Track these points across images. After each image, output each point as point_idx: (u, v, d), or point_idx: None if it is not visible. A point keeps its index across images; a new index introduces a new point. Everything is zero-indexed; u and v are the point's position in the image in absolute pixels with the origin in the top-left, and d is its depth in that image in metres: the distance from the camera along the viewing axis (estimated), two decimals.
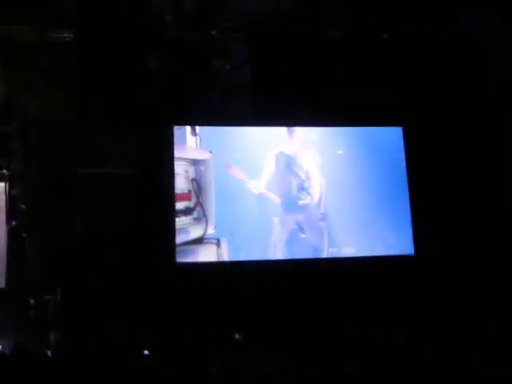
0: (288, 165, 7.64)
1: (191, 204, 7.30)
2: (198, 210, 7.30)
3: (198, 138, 7.40)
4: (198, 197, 7.30)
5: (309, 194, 7.63)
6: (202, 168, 7.37)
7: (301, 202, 7.61)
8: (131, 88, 6.94)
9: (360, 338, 5.59)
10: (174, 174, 7.10)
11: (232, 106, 7.31)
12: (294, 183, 7.62)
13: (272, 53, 7.26)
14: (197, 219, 7.27)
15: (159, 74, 7.07)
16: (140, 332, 5.97)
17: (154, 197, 6.95)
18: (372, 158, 7.70)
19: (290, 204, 7.56)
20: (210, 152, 7.38)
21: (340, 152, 7.69)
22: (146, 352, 5.45)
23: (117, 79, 6.90)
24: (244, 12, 7.02)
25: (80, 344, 5.84)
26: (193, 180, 7.34)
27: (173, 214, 7.02)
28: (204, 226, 7.25)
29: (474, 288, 6.96)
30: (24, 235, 6.62)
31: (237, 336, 5.79)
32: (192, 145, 7.42)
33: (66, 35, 6.89)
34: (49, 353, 5.84)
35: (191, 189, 7.33)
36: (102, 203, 6.82)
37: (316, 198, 7.65)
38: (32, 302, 6.36)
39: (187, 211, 7.28)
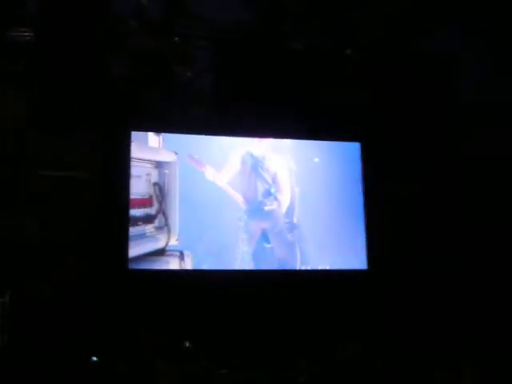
0: (255, 167, 7.41)
1: (152, 211, 6.99)
2: (159, 218, 6.99)
3: (161, 137, 7.13)
4: (160, 203, 6.99)
5: (276, 199, 7.40)
6: (166, 171, 7.07)
7: (266, 208, 7.37)
8: (91, 91, 6.85)
9: (313, 351, 5.60)
10: (129, 179, 6.88)
11: (193, 114, 7.25)
12: (261, 188, 7.40)
13: (235, 62, 7.26)
14: (158, 228, 6.96)
15: (120, 78, 7.01)
16: (89, 339, 5.90)
17: (109, 202, 6.84)
18: (341, 170, 7.64)
19: (255, 209, 7.31)
20: (176, 153, 7.14)
21: (317, 160, 7.56)
22: (94, 358, 5.39)
23: (77, 82, 6.81)
24: (208, 20, 7.02)
25: (25, 348, 5.75)
26: (155, 184, 7.03)
27: (127, 220, 6.82)
28: (166, 236, 6.96)
29: (426, 302, 7.03)
30: None
31: (187, 344, 5.76)
32: (155, 145, 7.15)
33: (25, 34, 6.78)
34: None
35: (153, 194, 7.02)
36: (59, 207, 6.71)
37: (284, 206, 7.43)
38: None
39: (148, 219, 6.96)
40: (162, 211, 7.01)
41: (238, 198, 7.33)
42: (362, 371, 5.04)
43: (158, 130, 7.12)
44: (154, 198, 7.06)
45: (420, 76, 7.56)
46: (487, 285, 6.91)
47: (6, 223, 6.57)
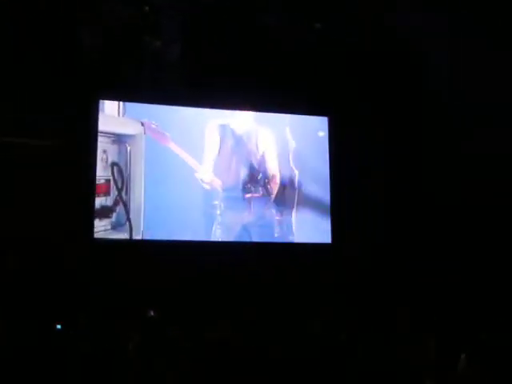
0: (237, 143, 6.79)
1: (109, 201, 6.19)
2: (118, 212, 6.23)
3: (120, 104, 6.52)
4: (119, 190, 6.18)
5: (263, 186, 6.82)
6: (127, 146, 6.33)
7: (248, 196, 6.76)
8: (59, 60, 6.77)
9: (275, 326, 5.65)
10: (96, 150, 6.62)
11: (162, 84, 7.08)
12: (243, 171, 6.79)
13: (204, 32, 7.18)
14: (116, 225, 6.32)
15: (89, 47, 6.90)
16: (53, 308, 5.88)
17: (73, 173, 6.72)
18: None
19: (234, 198, 6.71)
20: (142, 124, 6.44)
21: (322, 134, 7.23)
22: (58, 326, 5.37)
23: (45, 50, 6.72)
24: None
25: None
26: (113, 165, 6.26)
27: (93, 192, 6.60)
28: (127, 234, 6.34)
29: (387, 277, 7.17)
30: None
31: (151, 313, 5.77)
32: (113, 113, 6.47)
33: None
34: None
35: (110, 178, 6.26)
36: (19, 174, 6.61)
37: (273, 194, 6.92)
38: None
39: (103, 212, 6.25)
40: (122, 201, 6.21)
41: (215, 181, 6.76)
42: (326, 344, 5.10)
43: (126, 99, 6.96)
44: (112, 184, 6.23)
45: (390, 52, 7.59)
46: (451, 260, 7.05)
47: None
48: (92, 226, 6.62)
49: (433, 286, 6.74)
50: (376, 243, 7.41)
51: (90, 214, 6.66)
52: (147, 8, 6.94)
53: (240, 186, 6.80)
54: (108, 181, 6.22)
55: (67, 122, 6.76)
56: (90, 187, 6.66)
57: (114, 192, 6.08)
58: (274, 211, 7.06)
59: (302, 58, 7.45)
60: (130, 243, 6.76)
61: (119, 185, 6.13)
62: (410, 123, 7.64)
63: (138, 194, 6.20)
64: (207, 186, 6.86)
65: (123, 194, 6.10)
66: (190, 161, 6.67)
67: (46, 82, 6.75)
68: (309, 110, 7.60)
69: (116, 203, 6.08)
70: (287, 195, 7.22)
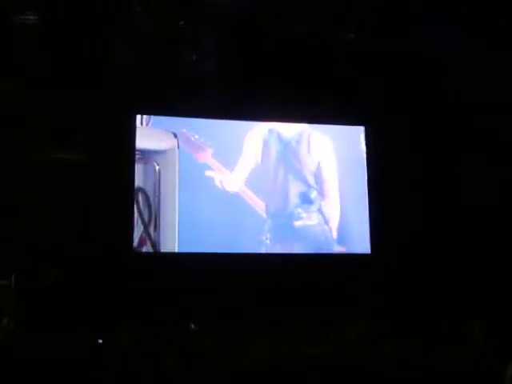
0: (283, 155, 6.07)
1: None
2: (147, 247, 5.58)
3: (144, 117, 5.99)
4: (146, 225, 5.36)
5: (319, 210, 6.01)
6: (156, 166, 5.60)
7: (298, 224, 5.88)
8: (95, 75, 6.85)
9: (314, 336, 5.62)
10: (134, 163, 6.63)
11: (198, 97, 7.08)
12: (294, 189, 5.98)
13: (240, 46, 7.21)
14: None
15: (125, 61, 6.97)
16: (95, 322, 5.93)
17: (111, 187, 6.76)
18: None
19: (282, 227, 5.94)
20: (175, 136, 5.89)
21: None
22: (99, 341, 5.41)
23: (81, 65, 6.81)
24: (213, 4, 6.97)
25: (31, 332, 5.76)
26: (138, 190, 5.54)
27: (132, 203, 6.64)
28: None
29: (429, 288, 7.06)
30: None
31: (192, 326, 5.77)
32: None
33: (30, 18, 6.75)
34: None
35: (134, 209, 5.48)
36: (60, 190, 6.70)
37: (334, 219, 6.08)
38: None
39: None
40: (151, 240, 5.31)
41: (258, 204, 5.97)
42: (366, 353, 5.06)
43: (163, 113, 7.01)
44: (136, 216, 5.42)
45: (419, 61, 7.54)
46: (491, 272, 6.93)
47: (9, 207, 6.58)
48: (131, 239, 6.65)
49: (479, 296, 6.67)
50: (416, 253, 7.32)
51: (129, 227, 6.68)
52: (182, 22, 6.99)
53: (288, 210, 5.92)
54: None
55: (105, 137, 6.83)
56: (128, 200, 6.70)
57: (139, 227, 4.99)
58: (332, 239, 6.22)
59: (337, 68, 7.43)
60: (170, 256, 6.77)
61: (145, 218, 5.11)
62: (449, 131, 7.55)
63: (171, 228, 5.14)
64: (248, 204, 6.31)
65: (151, 230, 5.01)
66: (229, 180, 6.11)
67: (83, 97, 6.82)
68: (345, 119, 7.57)
69: (142, 243, 4.97)
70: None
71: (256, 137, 5.95)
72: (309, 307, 6.62)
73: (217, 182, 5.97)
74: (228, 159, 5.97)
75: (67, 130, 6.79)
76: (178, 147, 5.79)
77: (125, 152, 6.85)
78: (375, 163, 7.52)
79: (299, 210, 5.83)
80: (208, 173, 5.91)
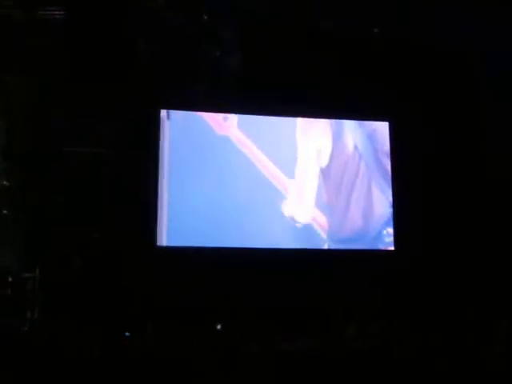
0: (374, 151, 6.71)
1: None
2: None
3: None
4: None
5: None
6: None
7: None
8: (119, 70, 6.87)
9: (336, 332, 5.62)
10: (158, 156, 6.83)
11: (222, 93, 7.09)
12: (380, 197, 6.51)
13: (263, 41, 7.21)
14: None
15: (149, 57, 6.99)
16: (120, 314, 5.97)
17: (136, 181, 6.85)
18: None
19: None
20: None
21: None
22: (126, 334, 5.44)
23: (105, 60, 6.83)
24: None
25: (58, 323, 5.81)
26: None
27: (155, 197, 6.81)
28: None
29: (454, 285, 7.03)
30: (5, 212, 6.55)
31: (218, 327, 5.79)
32: None
33: (55, 13, 6.79)
34: (26, 330, 5.79)
35: None
36: (86, 183, 6.75)
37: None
38: (10, 279, 6.28)
39: None
40: None
41: (318, 217, 6.47)
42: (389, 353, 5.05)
43: (187, 108, 7.08)
44: None
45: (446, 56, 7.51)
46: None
47: (35, 200, 6.63)
48: (155, 233, 6.74)
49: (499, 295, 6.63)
50: (441, 249, 7.29)
51: (152, 221, 6.78)
52: (206, 17, 6.99)
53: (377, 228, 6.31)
54: None
55: (129, 131, 6.87)
56: (152, 193, 6.80)
57: None
58: None
59: (360, 62, 7.41)
60: (197, 250, 6.83)
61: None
62: (474, 127, 7.52)
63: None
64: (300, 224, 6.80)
65: None
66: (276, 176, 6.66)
67: (107, 92, 6.85)
68: (369, 115, 7.54)
69: None
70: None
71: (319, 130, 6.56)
72: (331, 303, 6.65)
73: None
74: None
75: (92, 125, 6.81)
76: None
77: (149, 146, 6.88)
78: (399, 159, 7.51)
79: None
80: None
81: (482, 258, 7.13)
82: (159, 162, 6.87)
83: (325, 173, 7.04)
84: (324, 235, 6.84)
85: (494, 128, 7.38)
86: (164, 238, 6.81)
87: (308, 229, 6.84)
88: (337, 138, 7.22)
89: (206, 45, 7.09)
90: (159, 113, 7.01)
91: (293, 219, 6.91)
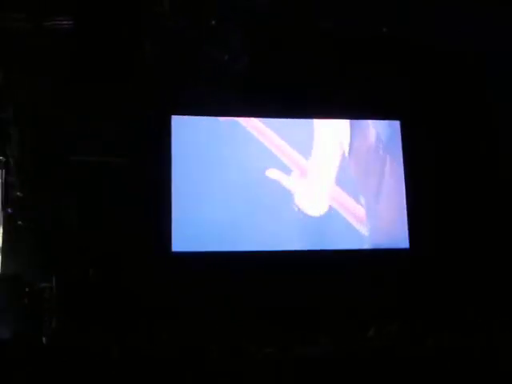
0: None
1: None
2: None
3: None
4: None
5: None
6: None
7: None
8: (128, 76, 6.88)
9: (351, 330, 5.61)
10: (171, 163, 6.86)
11: (230, 97, 7.11)
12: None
13: (269, 44, 7.20)
14: None
15: (157, 62, 7.00)
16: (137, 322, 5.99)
17: (149, 187, 6.86)
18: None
19: None
20: None
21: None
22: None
23: (114, 67, 6.84)
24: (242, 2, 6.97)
25: (74, 332, 5.83)
26: None
27: (169, 203, 6.85)
28: None
29: (467, 283, 7.00)
30: (20, 223, 6.58)
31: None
32: None
33: (64, 22, 6.81)
34: (44, 340, 5.81)
35: None
36: (98, 191, 6.77)
37: None
38: (27, 289, 6.31)
39: None
40: None
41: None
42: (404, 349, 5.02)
43: (198, 114, 7.11)
44: None
45: (460, 57, 7.49)
46: None
47: (48, 210, 6.66)
48: (170, 239, 6.76)
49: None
50: (455, 247, 7.26)
51: (167, 227, 6.79)
52: (214, 22, 6.99)
53: None
54: None
55: (141, 139, 6.90)
56: (166, 201, 6.82)
57: None
58: None
59: (370, 61, 7.38)
60: (211, 255, 6.86)
61: None
62: (486, 125, 7.48)
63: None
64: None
65: None
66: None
67: (117, 99, 6.89)
68: (381, 114, 7.54)
69: None
70: None
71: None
72: (347, 303, 6.64)
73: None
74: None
75: (104, 132, 6.84)
76: None
77: (161, 153, 6.89)
78: (411, 157, 7.48)
79: None
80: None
81: (497, 257, 7.09)
82: (171, 168, 6.91)
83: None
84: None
85: (507, 128, 7.32)
86: (179, 244, 6.79)
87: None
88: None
89: (211, 48, 7.08)
90: (170, 118, 7.02)
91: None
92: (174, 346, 5.23)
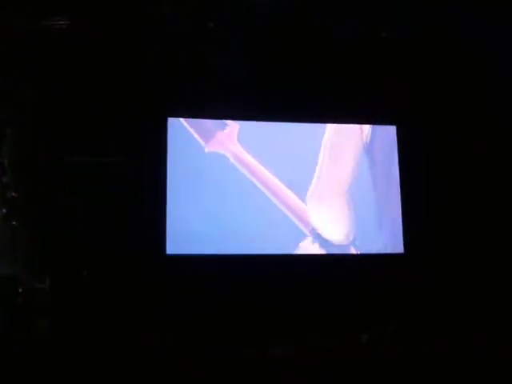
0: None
1: None
2: None
3: None
4: None
5: None
6: None
7: None
8: (127, 78, 6.89)
9: (348, 335, 5.61)
10: (167, 165, 6.85)
11: (230, 100, 7.09)
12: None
13: (269, 47, 7.19)
14: None
15: (156, 64, 6.99)
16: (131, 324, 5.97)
17: (145, 188, 6.83)
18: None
19: None
20: None
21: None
22: None
23: (112, 68, 6.85)
24: (242, 4, 6.96)
25: (68, 333, 5.82)
26: None
27: (164, 205, 6.83)
28: None
29: (463, 288, 6.99)
30: (14, 223, 6.55)
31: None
32: None
33: (61, 22, 6.81)
34: (38, 341, 5.79)
35: None
36: (93, 193, 6.75)
37: None
38: (20, 290, 6.28)
39: None
40: None
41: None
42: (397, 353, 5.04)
43: (196, 116, 7.07)
44: None
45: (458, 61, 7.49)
46: None
47: (43, 211, 6.64)
48: (164, 242, 6.74)
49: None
50: (451, 253, 7.26)
51: (162, 230, 6.77)
52: (212, 24, 6.99)
53: None
54: None
55: (137, 140, 6.88)
56: (161, 202, 6.80)
57: None
58: None
59: (367, 67, 7.39)
60: (205, 258, 6.83)
61: None
62: (485, 131, 7.48)
63: None
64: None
65: None
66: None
67: (114, 101, 6.87)
68: (376, 119, 7.52)
69: None
70: None
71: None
72: (341, 308, 6.63)
73: None
74: None
75: (100, 133, 6.82)
76: None
77: (157, 155, 6.89)
78: (407, 162, 7.48)
79: None
80: None
81: (494, 262, 7.09)
82: (167, 169, 6.90)
83: None
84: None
85: (507, 131, 7.33)
86: (173, 246, 6.78)
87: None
88: None
89: (210, 50, 7.08)
90: (166, 120, 7.01)
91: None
92: (168, 348, 5.24)
